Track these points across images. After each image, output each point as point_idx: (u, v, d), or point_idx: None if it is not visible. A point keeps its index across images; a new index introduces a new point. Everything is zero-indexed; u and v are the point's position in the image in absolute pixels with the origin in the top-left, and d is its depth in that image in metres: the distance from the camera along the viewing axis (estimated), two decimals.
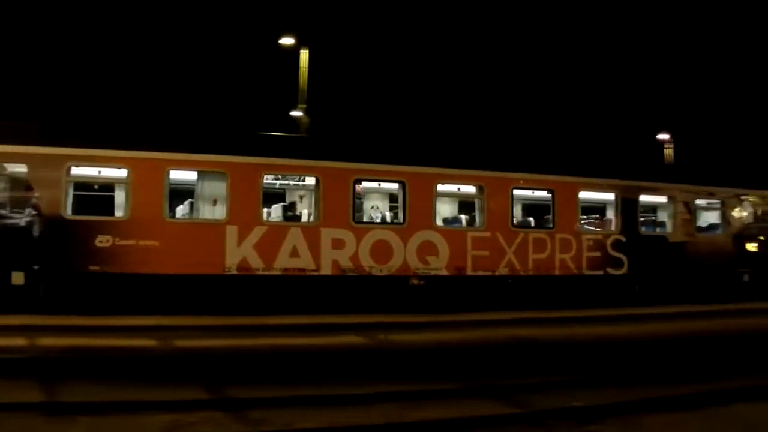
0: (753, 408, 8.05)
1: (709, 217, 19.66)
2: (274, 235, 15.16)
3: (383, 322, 13.08)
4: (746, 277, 19.08)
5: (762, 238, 19.44)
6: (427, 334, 12.32)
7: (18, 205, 13.84)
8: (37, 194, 13.84)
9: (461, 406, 7.69)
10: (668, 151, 42.04)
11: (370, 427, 6.74)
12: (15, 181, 13.91)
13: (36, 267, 13.62)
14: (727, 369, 10.42)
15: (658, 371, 10.29)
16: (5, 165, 13.84)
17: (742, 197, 19.53)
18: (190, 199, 15.65)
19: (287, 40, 28.58)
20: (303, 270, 15.23)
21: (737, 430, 7.14)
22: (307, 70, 28.46)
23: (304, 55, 28.45)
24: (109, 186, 15.34)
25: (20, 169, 13.88)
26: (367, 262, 15.73)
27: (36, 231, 13.72)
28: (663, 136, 42.64)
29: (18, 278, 13.52)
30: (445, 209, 17.74)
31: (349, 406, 7.51)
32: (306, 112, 28.96)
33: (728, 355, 11.41)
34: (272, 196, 16.33)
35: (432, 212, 16.53)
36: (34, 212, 13.77)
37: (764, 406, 8.18)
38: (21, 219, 13.73)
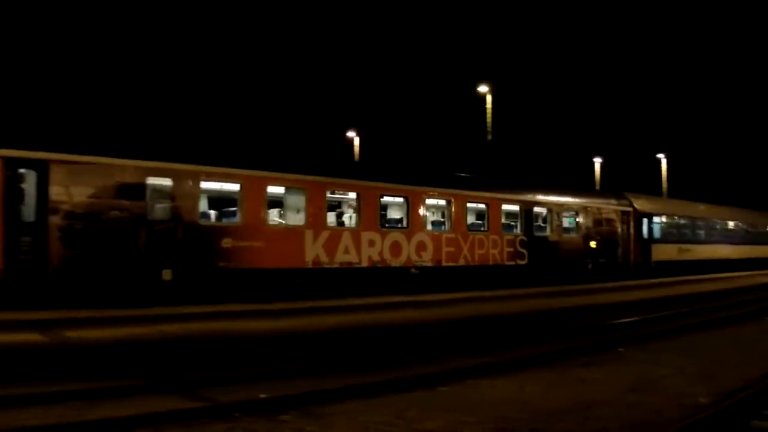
0: (449, 390, 8.31)
1: (568, 222, 28.00)
2: (334, 236, 19.60)
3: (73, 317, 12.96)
4: (590, 266, 27.96)
5: (599, 237, 28.46)
6: (146, 328, 12.10)
7: (165, 213, 16.49)
8: (179, 204, 16.62)
9: (145, 402, 7.49)
10: (356, 149, 49.09)
11: (40, 428, 6.46)
12: (162, 193, 16.48)
13: (180, 265, 16.50)
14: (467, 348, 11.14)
15: (391, 357, 10.53)
16: (155, 178, 16.30)
17: (587, 207, 28.28)
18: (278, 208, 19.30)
19: None
20: (350, 263, 19.93)
21: (413, 413, 7.21)
22: None
23: None
24: (226, 197, 18.30)
25: (166, 182, 16.48)
26: (387, 257, 20.90)
27: (179, 235, 16.55)
28: (351, 134, 49.52)
29: (167, 275, 16.32)
30: (429, 216, 23.36)
31: (26, 407, 7.23)
32: None
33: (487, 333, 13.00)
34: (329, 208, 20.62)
35: (423, 219, 22.18)
36: (177, 219, 16.55)
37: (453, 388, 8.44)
38: (168, 225, 16.43)
